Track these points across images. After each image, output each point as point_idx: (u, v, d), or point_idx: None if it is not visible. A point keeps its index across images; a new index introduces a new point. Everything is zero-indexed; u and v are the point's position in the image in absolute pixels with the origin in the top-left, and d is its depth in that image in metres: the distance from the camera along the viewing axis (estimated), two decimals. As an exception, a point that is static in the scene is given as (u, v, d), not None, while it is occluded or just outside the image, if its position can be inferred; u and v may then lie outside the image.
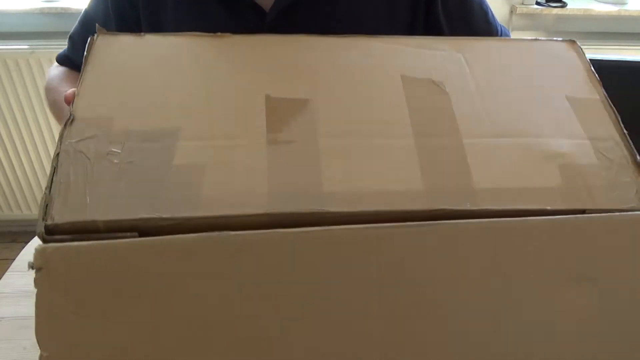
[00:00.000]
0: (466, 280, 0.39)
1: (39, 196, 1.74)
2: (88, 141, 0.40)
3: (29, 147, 1.65)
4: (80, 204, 0.37)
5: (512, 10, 1.72)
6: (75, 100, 0.43)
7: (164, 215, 0.37)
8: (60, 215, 0.36)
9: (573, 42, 0.53)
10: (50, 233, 0.36)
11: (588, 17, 1.73)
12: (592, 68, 0.51)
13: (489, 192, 0.41)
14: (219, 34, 0.49)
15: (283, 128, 0.42)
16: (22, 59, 1.51)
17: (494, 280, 0.40)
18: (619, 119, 0.47)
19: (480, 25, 0.73)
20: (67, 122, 0.41)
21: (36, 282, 0.35)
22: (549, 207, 0.41)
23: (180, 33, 0.50)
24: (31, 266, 0.35)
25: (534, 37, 0.54)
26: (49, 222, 0.36)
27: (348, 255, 0.37)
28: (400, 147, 0.42)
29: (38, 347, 0.50)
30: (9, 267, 0.59)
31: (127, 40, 0.48)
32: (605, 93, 0.49)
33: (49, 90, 0.77)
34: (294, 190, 0.39)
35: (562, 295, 0.40)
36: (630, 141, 0.46)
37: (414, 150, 0.42)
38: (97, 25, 0.48)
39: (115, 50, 0.47)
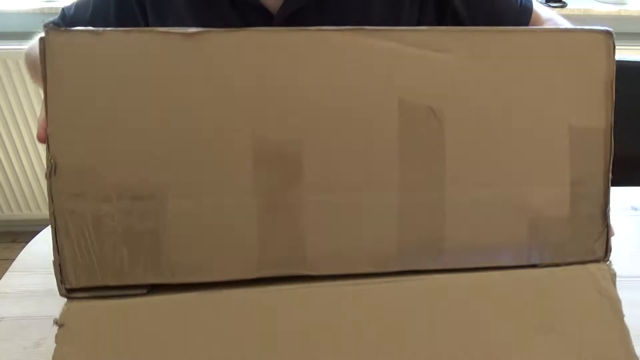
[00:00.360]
0: (434, 330, 0.44)
1: (39, 196, 1.74)
2: (78, 199, 0.43)
3: (29, 147, 1.65)
4: (90, 270, 0.43)
5: (512, 10, 1.72)
6: (50, 142, 0.41)
7: (168, 281, 0.44)
8: (76, 280, 0.43)
9: (608, 35, 0.46)
10: (70, 292, 0.43)
11: (588, 17, 1.73)
12: (614, 76, 0.47)
13: (456, 251, 0.46)
14: (192, 31, 0.41)
15: (271, 183, 0.44)
16: (22, 59, 1.51)
17: (462, 329, 0.44)
18: (612, 155, 0.47)
19: (501, 4, 0.74)
20: (51, 171, 0.42)
21: (56, 338, 0.41)
22: (505, 264, 0.46)
23: (146, 29, 0.43)
24: (55, 322, 0.42)
25: (565, 27, 0.48)
26: (67, 286, 0.43)
27: (327, 308, 0.44)
28: (383, 204, 0.45)
29: (38, 347, 0.50)
30: (9, 267, 0.59)
31: (83, 42, 0.41)
32: (612, 118, 0.47)
33: (31, 49, 0.72)
34: (280, 256, 0.44)
35: (527, 346, 0.44)
36: (609, 185, 0.48)
37: (396, 209, 0.45)
38: (43, 23, 0.43)
39: (73, 58, 0.41)
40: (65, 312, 0.42)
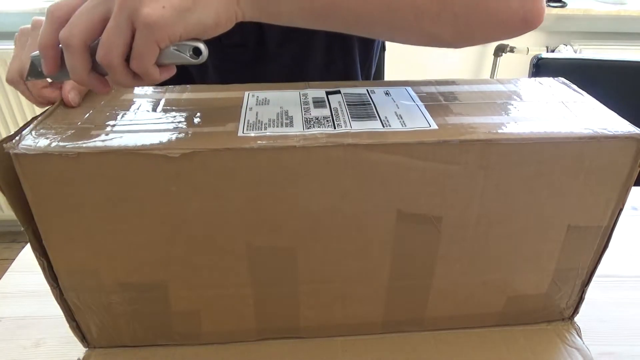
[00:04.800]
0: None
1: (39, 196, 1.74)
2: (86, 292, 0.45)
3: (29, 147, 1.65)
4: (108, 336, 0.48)
5: (512, 10, 1.72)
6: (48, 252, 0.41)
7: (177, 343, 0.49)
8: (98, 342, 0.49)
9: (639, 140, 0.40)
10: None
11: (588, 17, 1.73)
12: (634, 179, 0.42)
13: (435, 319, 0.50)
14: (175, 155, 0.37)
15: (266, 279, 0.45)
16: (22, 59, 1.51)
17: None
18: (607, 247, 0.47)
19: None
20: (46, 268, 0.42)
21: None
22: (481, 325, 0.51)
23: (123, 150, 0.37)
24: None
25: (592, 134, 0.40)
26: (91, 347, 0.49)
27: (320, 353, 0.49)
28: (373, 289, 0.48)
29: (38, 347, 0.50)
30: (9, 267, 0.59)
31: (58, 166, 0.37)
32: (618, 215, 0.44)
33: None
34: (276, 327, 0.49)
35: None
36: (596, 269, 0.49)
37: (384, 292, 0.48)
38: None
39: (51, 181, 0.38)
40: (87, 356, 0.49)
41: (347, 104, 0.44)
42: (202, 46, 0.37)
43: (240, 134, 0.39)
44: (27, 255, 0.61)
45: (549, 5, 1.68)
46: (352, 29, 0.44)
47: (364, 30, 0.45)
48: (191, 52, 0.37)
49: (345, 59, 0.68)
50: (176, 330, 0.48)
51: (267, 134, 0.39)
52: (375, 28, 0.44)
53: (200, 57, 0.37)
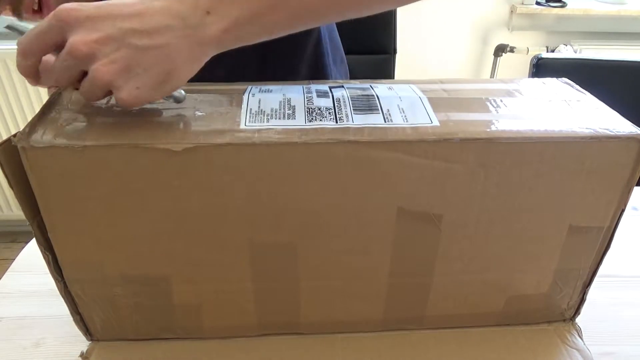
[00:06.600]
0: None
1: (39, 196, 1.74)
2: (90, 283, 0.45)
3: (29, 147, 1.65)
4: (111, 328, 0.48)
5: (512, 10, 1.72)
6: (52, 243, 0.41)
7: (180, 337, 0.49)
8: (101, 335, 0.49)
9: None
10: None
11: (588, 17, 1.73)
12: (636, 180, 0.42)
13: (435, 318, 0.50)
14: (178, 148, 0.37)
15: (267, 274, 0.45)
16: (22, 59, 1.51)
17: None
18: (608, 248, 0.47)
19: None
20: (51, 261, 0.42)
21: None
22: (481, 324, 0.51)
23: (129, 144, 0.37)
24: (81, 354, 0.48)
25: (593, 134, 0.40)
26: (94, 340, 0.50)
27: (320, 349, 0.49)
28: (373, 287, 0.47)
29: (38, 347, 0.50)
30: (9, 267, 0.59)
31: (64, 159, 0.37)
32: (619, 215, 0.44)
33: None
34: (277, 322, 0.49)
35: None
36: (597, 270, 0.48)
37: (385, 289, 0.48)
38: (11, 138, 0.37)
39: (57, 173, 0.38)
40: (90, 349, 0.49)
41: (350, 96, 0.44)
42: (181, 95, 0.42)
43: (242, 126, 0.39)
44: (27, 255, 0.61)
45: (549, 5, 1.68)
46: (327, 17, 0.42)
47: (340, 16, 0.42)
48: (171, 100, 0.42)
49: (283, 66, 0.65)
50: (178, 324, 0.48)
51: (270, 127, 0.39)
52: (351, 10, 0.41)
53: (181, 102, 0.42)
